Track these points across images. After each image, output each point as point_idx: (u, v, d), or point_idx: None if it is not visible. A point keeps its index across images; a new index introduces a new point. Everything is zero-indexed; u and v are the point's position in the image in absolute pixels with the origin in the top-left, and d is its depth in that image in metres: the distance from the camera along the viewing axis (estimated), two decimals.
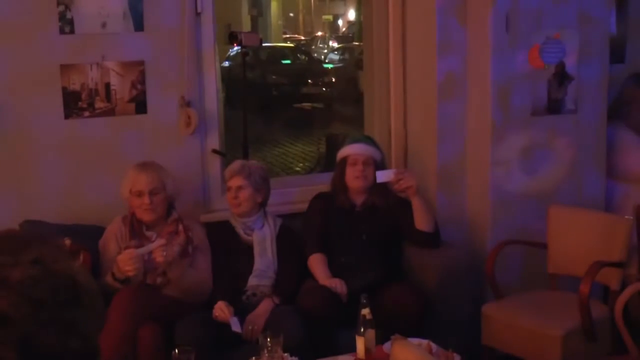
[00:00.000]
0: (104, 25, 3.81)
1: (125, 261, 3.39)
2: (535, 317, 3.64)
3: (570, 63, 4.20)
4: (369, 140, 4.02)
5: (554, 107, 4.20)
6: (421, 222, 3.79)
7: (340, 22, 32.56)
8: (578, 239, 3.89)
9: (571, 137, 4.26)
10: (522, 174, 4.17)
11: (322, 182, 4.19)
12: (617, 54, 4.73)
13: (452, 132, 4.24)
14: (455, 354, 2.95)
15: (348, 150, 3.95)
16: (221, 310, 3.45)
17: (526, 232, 4.12)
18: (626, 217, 3.87)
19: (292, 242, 3.84)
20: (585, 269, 3.55)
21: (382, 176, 3.77)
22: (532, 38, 4.11)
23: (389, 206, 3.88)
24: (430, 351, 2.91)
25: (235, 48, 5.13)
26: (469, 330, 3.76)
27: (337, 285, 3.61)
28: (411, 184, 3.74)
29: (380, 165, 3.92)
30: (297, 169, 10.12)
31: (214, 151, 4.11)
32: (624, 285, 3.57)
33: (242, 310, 3.53)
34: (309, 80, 15.96)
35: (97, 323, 0.98)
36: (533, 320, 3.62)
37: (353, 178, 3.89)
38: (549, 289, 3.96)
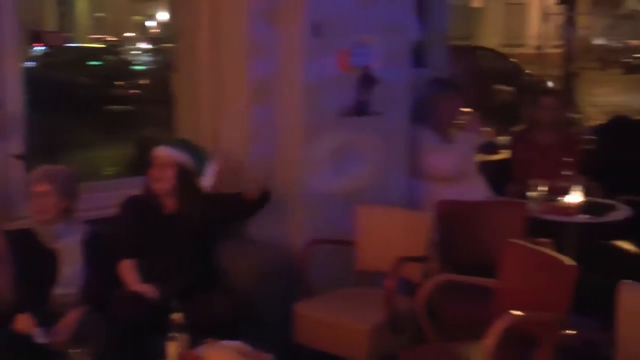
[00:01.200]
0: None
1: None
2: (343, 313, 3.76)
3: (377, 67, 4.37)
4: (180, 144, 3.97)
5: (361, 109, 4.35)
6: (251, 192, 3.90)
7: (152, 23, 32.03)
8: (384, 236, 4.05)
9: (377, 137, 4.42)
10: (331, 174, 4.29)
11: (133, 186, 4.10)
12: (419, 58, 4.97)
13: (264, 134, 4.28)
14: (267, 354, 2.99)
15: (154, 152, 3.91)
16: (23, 322, 3.30)
17: (336, 230, 4.23)
18: (427, 213, 4.08)
19: (101, 248, 3.73)
20: (391, 265, 3.70)
21: (206, 180, 3.76)
22: (341, 42, 4.23)
23: (202, 209, 3.86)
24: (243, 352, 2.93)
25: (39, 47, 4.92)
26: (282, 329, 3.81)
27: (148, 290, 3.56)
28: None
29: (195, 171, 3.89)
30: (108, 172, 9.85)
31: (16, 156, 3.92)
32: (427, 279, 3.76)
33: (49, 321, 3.39)
34: (120, 82, 15.58)
35: None
36: (342, 317, 3.73)
37: (151, 180, 3.85)
38: (358, 286, 4.10)
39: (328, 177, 4.28)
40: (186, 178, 3.84)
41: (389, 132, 4.46)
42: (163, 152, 3.85)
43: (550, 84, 14.46)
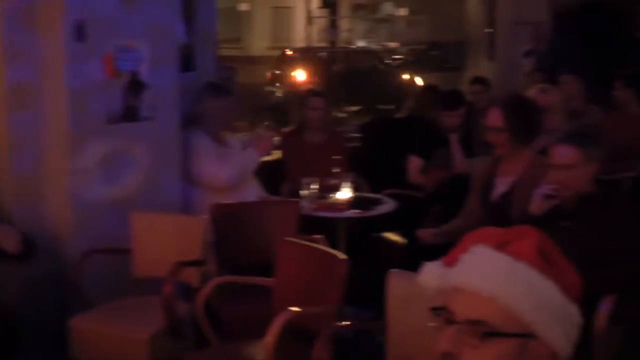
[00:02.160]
0: None
1: None
2: (122, 324, 3.67)
3: (144, 71, 4.30)
4: None
5: (130, 114, 4.26)
6: None
7: None
8: (160, 242, 3.99)
9: (149, 143, 4.35)
10: (102, 182, 4.17)
11: None
12: (188, 62, 4.94)
13: (28, 143, 4.07)
14: None
15: None
16: None
17: (112, 239, 4.11)
18: (202, 216, 4.08)
19: None
20: (168, 270, 3.66)
21: None
22: (106, 46, 4.12)
23: None
24: None
25: None
26: (58, 346, 3.66)
27: None
28: None
29: None
30: None
31: None
32: (206, 282, 3.76)
33: None
34: None
35: None
36: (120, 327, 3.64)
37: None
38: (137, 294, 4.01)
39: (99, 185, 4.15)
40: None
41: (160, 137, 4.40)
42: None
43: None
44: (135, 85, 4.26)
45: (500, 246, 1.37)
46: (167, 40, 4.40)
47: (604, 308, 3.19)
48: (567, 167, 3.33)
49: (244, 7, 30.11)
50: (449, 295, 1.37)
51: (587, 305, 3.08)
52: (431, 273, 1.43)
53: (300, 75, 14.98)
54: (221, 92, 4.86)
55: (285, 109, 11.75)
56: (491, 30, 7.65)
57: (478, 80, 6.46)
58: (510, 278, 1.32)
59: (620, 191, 5.35)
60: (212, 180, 4.65)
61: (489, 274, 1.33)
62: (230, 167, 4.69)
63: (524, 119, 3.82)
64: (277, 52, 17.75)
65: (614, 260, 3.27)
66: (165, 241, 3.99)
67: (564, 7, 7.43)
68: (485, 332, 1.31)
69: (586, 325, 3.17)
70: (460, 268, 1.36)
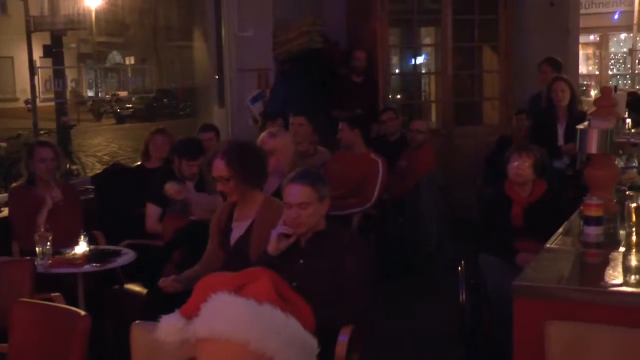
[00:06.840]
0: None
1: None
2: None
3: None
4: None
5: None
6: None
7: None
8: None
9: None
10: None
11: None
12: None
13: None
14: None
15: None
16: None
17: None
18: None
19: None
20: None
21: None
22: None
23: None
24: None
25: None
26: None
27: None
28: None
29: None
30: None
31: None
32: None
33: None
34: None
35: None
36: None
37: None
38: None
39: None
40: None
41: None
42: None
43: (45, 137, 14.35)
44: None
45: (237, 291, 1.36)
46: None
47: (343, 338, 3.35)
48: (301, 206, 3.47)
49: None
50: (196, 347, 1.34)
51: (328, 336, 3.25)
52: (170, 327, 1.38)
53: None
54: None
55: (10, 163, 11.13)
56: (219, 77, 7.80)
57: (208, 128, 6.43)
58: (258, 321, 1.32)
59: (350, 226, 5.68)
60: None
61: (236, 320, 1.31)
62: None
63: (247, 164, 3.89)
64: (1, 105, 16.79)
65: (347, 293, 3.45)
66: None
67: (287, 54, 7.76)
68: None
69: (328, 354, 3.33)
70: (204, 318, 1.33)
